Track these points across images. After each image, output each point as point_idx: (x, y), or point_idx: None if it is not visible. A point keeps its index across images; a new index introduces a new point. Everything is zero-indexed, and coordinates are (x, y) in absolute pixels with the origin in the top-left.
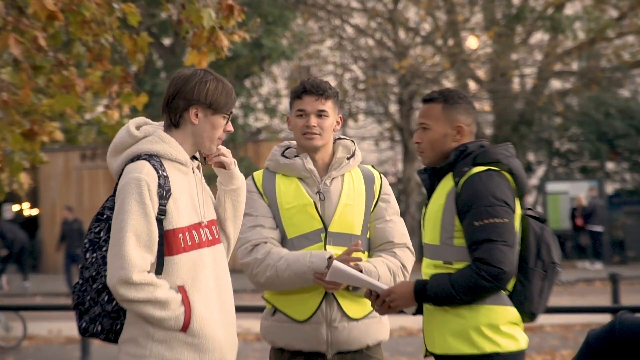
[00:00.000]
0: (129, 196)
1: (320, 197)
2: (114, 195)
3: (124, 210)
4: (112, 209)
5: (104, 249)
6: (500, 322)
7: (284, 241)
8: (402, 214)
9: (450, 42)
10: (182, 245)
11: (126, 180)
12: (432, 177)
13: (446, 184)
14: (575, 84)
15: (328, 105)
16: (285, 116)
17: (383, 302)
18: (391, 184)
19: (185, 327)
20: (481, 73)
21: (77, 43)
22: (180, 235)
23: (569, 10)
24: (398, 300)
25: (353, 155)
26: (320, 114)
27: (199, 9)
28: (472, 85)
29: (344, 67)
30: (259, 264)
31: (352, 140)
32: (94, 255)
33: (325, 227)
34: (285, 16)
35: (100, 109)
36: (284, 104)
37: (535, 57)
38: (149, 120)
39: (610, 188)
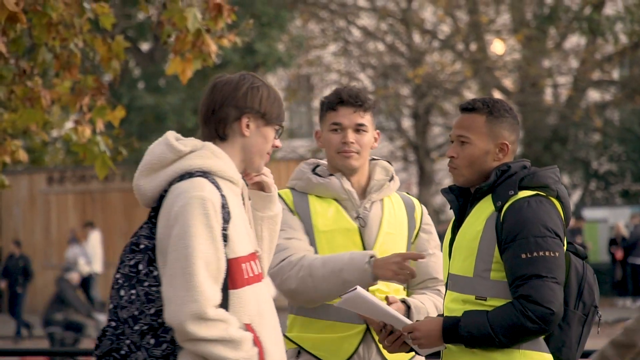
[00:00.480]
0: (194, 218)
1: (360, 223)
2: (149, 222)
3: (188, 235)
4: (149, 237)
5: (145, 283)
6: None
7: None
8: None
9: (473, 46)
10: (246, 277)
11: (186, 201)
12: (459, 199)
13: (485, 208)
14: (616, 95)
15: (367, 119)
16: (315, 130)
17: (396, 338)
18: None
19: None
20: (508, 82)
21: (42, 49)
22: (243, 265)
23: (609, 9)
24: (423, 338)
25: (392, 178)
26: (359, 129)
27: (182, 9)
28: (497, 96)
29: (349, 75)
30: (291, 267)
31: (389, 162)
32: (132, 291)
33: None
34: (282, 17)
35: (69, 124)
36: None
37: (571, 64)
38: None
39: None
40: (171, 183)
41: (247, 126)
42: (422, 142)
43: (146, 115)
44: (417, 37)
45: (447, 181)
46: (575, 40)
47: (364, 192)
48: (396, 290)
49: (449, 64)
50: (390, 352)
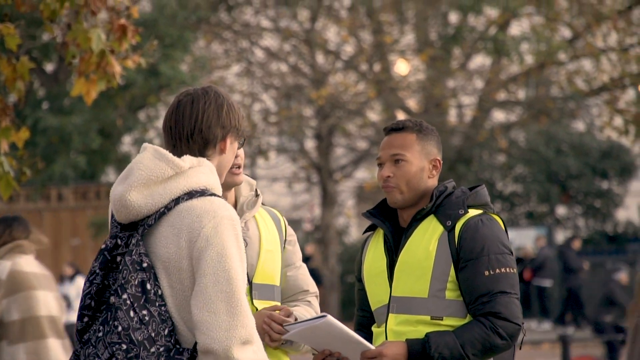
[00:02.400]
0: (228, 240)
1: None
2: (139, 237)
3: (226, 258)
4: (147, 255)
5: (156, 304)
6: None
7: None
8: (320, 267)
9: (377, 67)
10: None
11: (217, 222)
12: (385, 222)
13: (431, 228)
14: (521, 116)
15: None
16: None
17: None
18: (308, 232)
19: None
20: (412, 103)
21: None
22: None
23: (514, 29)
24: None
25: (256, 192)
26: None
27: (86, 30)
28: (401, 116)
29: (252, 96)
30: None
31: (248, 175)
32: (144, 312)
33: (249, 279)
34: (185, 38)
35: None
36: None
37: (476, 84)
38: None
39: (561, 236)
40: (177, 200)
41: (227, 144)
42: (325, 163)
43: (51, 136)
44: (320, 58)
45: (350, 202)
46: (480, 61)
47: (235, 209)
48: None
49: (352, 84)
50: None
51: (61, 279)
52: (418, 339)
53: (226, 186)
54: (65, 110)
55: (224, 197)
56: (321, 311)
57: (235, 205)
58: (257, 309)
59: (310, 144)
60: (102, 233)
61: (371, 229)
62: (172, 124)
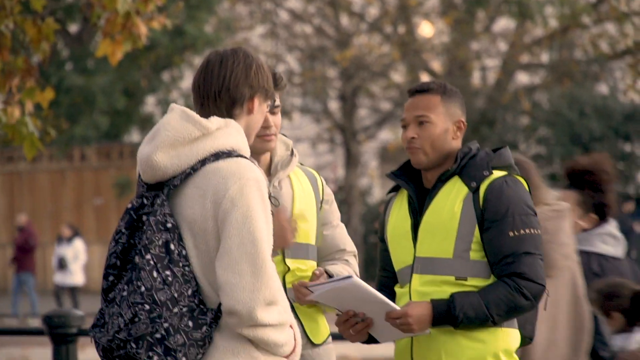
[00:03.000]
0: (254, 202)
1: (273, 203)
2: (164, 198)
3: (252, 219)
4: (172, 215)
5: (180, 264)
6: (513, 347)
7: None
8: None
9: (401, 29)
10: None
11: (243, 183)
12: (409, 182)
13: (456, 189)
14: (545, 79)
15: (279, 99)
16: None
17: (365, 326)
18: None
19: (292, 352)
20: (436, 65)
21: None
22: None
23: None
24: (415, 324)
25: (292, 152)
26: (275, 111)
27: None
28: (425, 79)
29: (277, 57)
30: None
31: (283, 134)
32: (168, 272)
33: None
34: None
35: None
36: None
37: (500, 47)
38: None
39: None
40: (203, 161)
41: (255, 105)
42: (348, 124)
43: (75, 97)
44: (344, 20)
45: (373, 163)
46: (504, 24)
47: (269, 170)
48: (311, 267)
49: (376, 46)
50: (353, 341)
51: (59, 240)
52: (443, 299)
53: (258, 151)
54: (89, 71)
55: (258, 159)
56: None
57: (269, 165)
58: (289, 268)
59: (334, 105)
60: (126, 193)
61: (395, 189)
62: (200, 83)
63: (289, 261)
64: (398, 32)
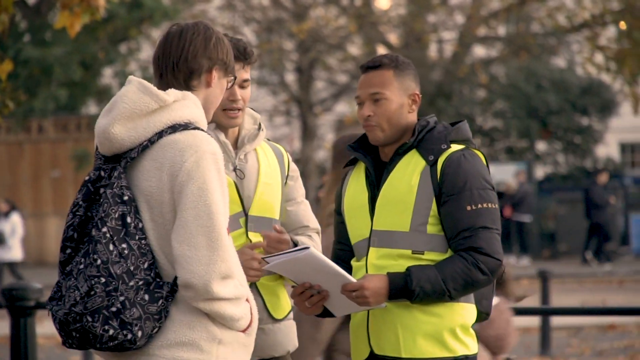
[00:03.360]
0: (210, 174)
1: (239, 175)
2: (122, 170)
3: (207, 192)
4: (129, 188)
5: (136, 237)
6: (469, 322)
7: None
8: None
9: (358, 1)
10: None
11: (199, 156)
12: (367, 156)
13: (414, 163)
14: (502, 52)
15: (249, 73)
16: None
17: (320, 299)
18: None
19: (248, 326)
20: (393, 38)
21: None
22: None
23: None
24: (371, 297)
25: (260, 126)
26: (244, 85)
27: None
28: (382, 51)
29: (234, 30)
30: None
31: (252, 108)
32: (124, 245)
33: (245, 211)
34: None
35: None
36: None
37: (456, 19)
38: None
39: (540, 172)
40: (160, 134)
41: (214, 77)
42: (305, 96)
43: (33, 68)
44: None
45: (329, 136)
46: None
47: (235, 143)
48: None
49: (333, 18)
50: (308, 313)
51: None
52: (399, 272)
53: (225, 125)
54: (47, 43)
55: (225, 132)
56: None
57: (237, 138)
58: (251, 241)
59: (290, 78)
60: (84, 166)
61: (352, 163)
62: (159, 54)
63: (251, 234)
64: (355, 5)
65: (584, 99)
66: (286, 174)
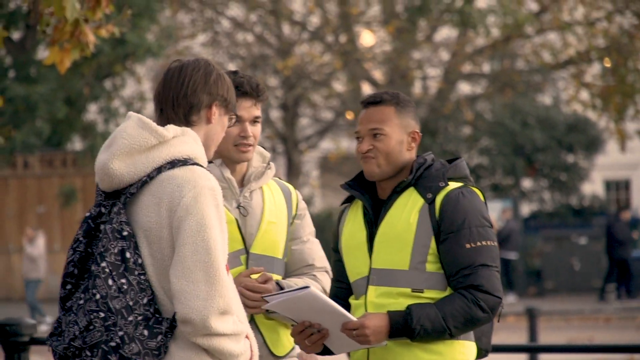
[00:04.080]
0: (208, 209)
1: (242, 212)
2: (121, 206)
3: (206, 227)
4: (128, 223)
5: (135, 272)
6: (469, 359)
7: None
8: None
9: (343, 38)
10: (228, 274)
11: (198, 191)
12: (364, 193)
13: (412, 200)
14: (487, 89)
15: (260, 110)
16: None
17: (320, 337)
18: None
19: None
20: (378, 74)
21: None
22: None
23: (481, 2)
24: (372, 335)
25: (268, 164)
26: (255, 121)
27: None
28: (366, 88)
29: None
30: None
31: (263, 147)
32: (123, 280)
33: (247, 248)
34: (152, 7)
35: None
36: (149, 109)
37: (441, 56)
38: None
39: (526, 209)
40: (159, 169)
41: (214, 113)
42: (290, 133)
43: (17, 105)
44: (286, 28)
45: (315, 173)
46: (446, 33)
47: (242, 181)
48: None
49: (318, 55)
50: (308, 351)
51: None
52: (400, 310)
53: (235, 160)
54: (32, 79)
55: (233, 168)
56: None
57: (244, 175)
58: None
59: (275, 114)
60: (71, 202)
61: (348, 200)
62: (160, 89)
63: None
64: (339, 41)
65: (569, 136)
66: (293, 213)
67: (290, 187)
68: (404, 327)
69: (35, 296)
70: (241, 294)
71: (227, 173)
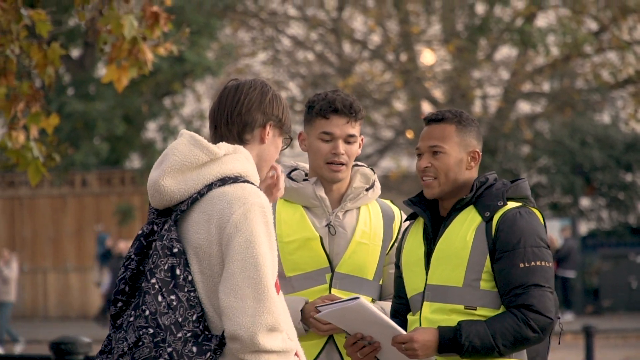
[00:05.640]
0: (258, 226)
1: (330, 231)
2: (171, 223)
3: (255, 244)
4: (179, 240)
5: (185, 289)
6: None
7: (281, 279)
8: None
9: (403, 57)
10: (277, 293)
11: (247, 208)
12: (426, 210)
13: (470, 218)
14: (546, 108)
15: (357, 129)
16: (299, 132)
17: (372, 350)
18: None
19: None
20: (438, 93)
21: None
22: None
23: (541, 21)
24: (420, 349)
25: (372, 186)
26: (349, 140)
27: (119, 17)
28: (427, 107)
29: (278, 84)
30: None
31: (371, 169)
32: (172, 297)
33: (332, 267)
34: (212, 25)
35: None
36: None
37: (501, 75)
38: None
39: (584, 228)
40: (210, 186)
41: (268, 133)
42: None
43: (76, 122)
44: (347, 47)
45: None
46: (506, 52)
47: (340, 199)
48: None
49: (378, 73)
50: None
51: None
52: (450, 326)
53: (328, 180)
54: (91, 97)
55: (330, 187)
56: None
57: (343, 195)
58: None
59: None
60: (127, 220)
61: (412, 217)
62: (216, 107)
63: (335, 291)
64: (400, 60)
65: (628, 155)
66: (394, 236)
67: (396, 210)
68: (452, 342)
69: (7, 319)
70: (313, 318)
71: (321, 192)
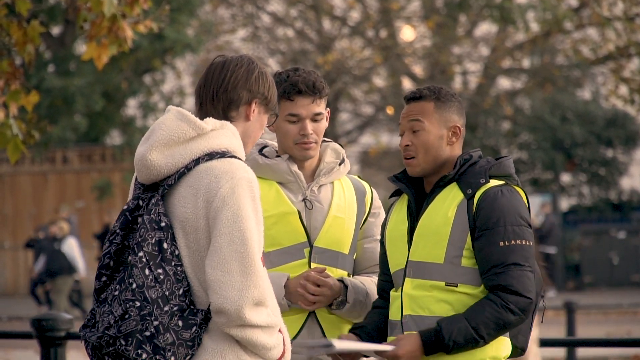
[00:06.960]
0: (245, 201)
1: (307, 206)
2: (159, 197)
3: (242, 218)
4: (166, 215)
5: (172, 263)
6: (501, 355)
7: None
8: None
9: (383, 33)
10: (264, 266)
11: (235, 182)
12: (410, 187)
13: (452, 195)
14: (526, 84)
15: (322, 106)
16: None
17: None
18: None
19: (281, 357)
20: (418, 70)
21: None
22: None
23: None
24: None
25: (343, 161)
26: (316, 118)
27: None
28: (407, 83)
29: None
30: None
31: (341, 145)
32: (160, 271)
33: (310, 242)
34: (192, 2)
35: None
36: (189, 103)
37: (481, 51)
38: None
39: (565, 204)
40: (197, 161)
41: (253, 111)
42: (330, 128)
43: (54, 98)
44: (326, 23)
45: (355, 168)
46: (486, 28)
47: (313, 175)
48: (340, 276)
49: (358, 50)
50: None
51: None
52: (430, 329)
53: (299, 158)
54: (71, 74)
55: (302, 165)
56: None
57: (315, 170)
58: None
59: None
60: (105, 196)
61: (397, 193)
62: (202, 83)
63: (313, 265)
64: (380, 36)
65: (608, 130)
66: (366, 211)
67: (367, 185)
68: (437, 344)
69: None
70: (304, 287)
71: (294, 167)
